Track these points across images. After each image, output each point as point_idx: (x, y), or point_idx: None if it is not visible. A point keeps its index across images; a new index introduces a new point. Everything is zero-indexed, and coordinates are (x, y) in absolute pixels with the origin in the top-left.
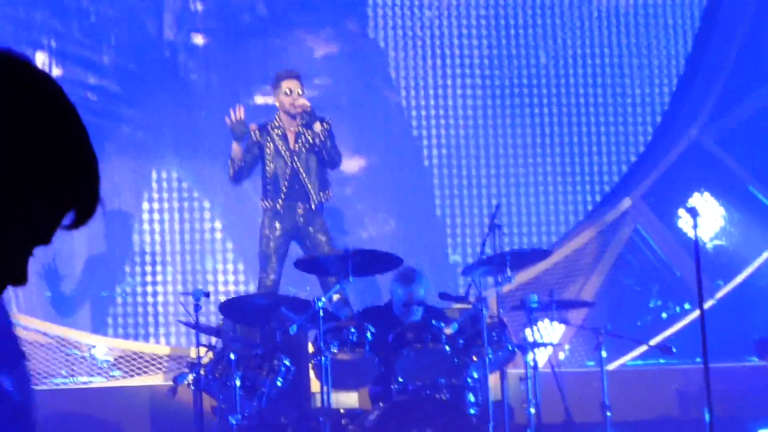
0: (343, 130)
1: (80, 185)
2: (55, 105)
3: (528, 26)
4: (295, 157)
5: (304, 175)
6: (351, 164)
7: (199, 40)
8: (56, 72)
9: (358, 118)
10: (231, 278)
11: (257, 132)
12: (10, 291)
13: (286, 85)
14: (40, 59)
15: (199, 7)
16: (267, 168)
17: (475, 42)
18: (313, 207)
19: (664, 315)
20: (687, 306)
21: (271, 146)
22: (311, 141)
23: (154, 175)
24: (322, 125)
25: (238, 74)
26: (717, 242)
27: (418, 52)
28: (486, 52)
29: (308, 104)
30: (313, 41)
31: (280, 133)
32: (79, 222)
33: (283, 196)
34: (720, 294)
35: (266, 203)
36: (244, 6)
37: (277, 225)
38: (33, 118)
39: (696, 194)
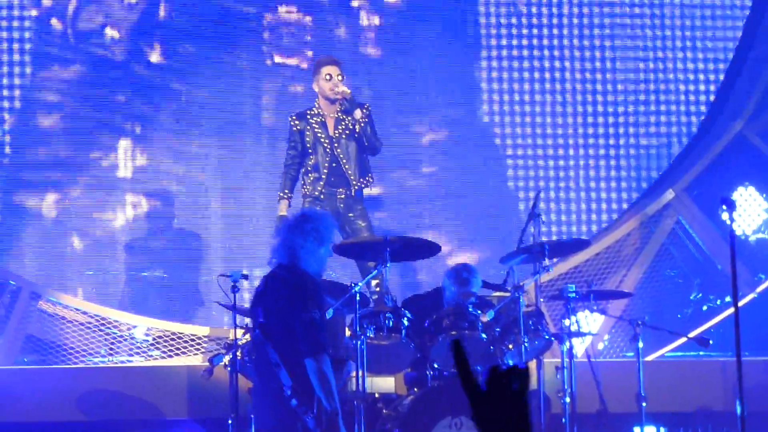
0: (450, 222)
1: None
2: None
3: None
4: (335, 144)
5: (344, 162)
6: (459, 260)
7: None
8: (140, 161)
9: (465, 208)
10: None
11: (296, 121)
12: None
13: (327, 70)
14: (123, 147)
15: (299, 89)
16: (307, 155)
17: (579, 118)
18: (353, 193)
19: (704, 307)
20: (728, 299)
21: (311, 133)
22: (351, 127)
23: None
24: (363, 111)
25: None
26: (760, 236)
27: (528, 142)
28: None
29: (348, 91)
30: (419, 127)
31: (319, 120)
32: None
33: (323, 183)
34: (761, 288)
35: (306, 189)
36: None
37: None
38: None
39: (740, 188)
